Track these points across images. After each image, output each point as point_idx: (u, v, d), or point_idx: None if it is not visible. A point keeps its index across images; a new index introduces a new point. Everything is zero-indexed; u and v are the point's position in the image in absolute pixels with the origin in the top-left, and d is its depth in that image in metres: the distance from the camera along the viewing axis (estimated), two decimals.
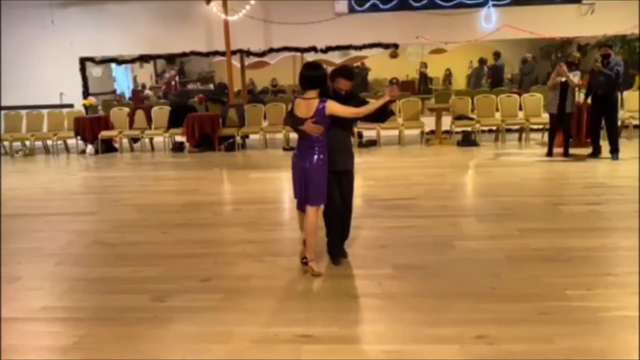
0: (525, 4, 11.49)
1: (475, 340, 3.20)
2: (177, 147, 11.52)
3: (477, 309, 3.59)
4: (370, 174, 8.19)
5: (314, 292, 3.91)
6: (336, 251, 4.50)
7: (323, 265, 4.40)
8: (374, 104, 4.23)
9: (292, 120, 4.26)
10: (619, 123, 9.53)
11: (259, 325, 3.51)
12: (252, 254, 4.87)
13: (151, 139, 11.89)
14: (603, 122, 8.67)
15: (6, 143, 11.87)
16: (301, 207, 4.35)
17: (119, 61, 13.56)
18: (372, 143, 10.90)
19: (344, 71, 4.33)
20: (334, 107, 4.11)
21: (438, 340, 3.23)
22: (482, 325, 3.36)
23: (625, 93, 10.78)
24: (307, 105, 4.14)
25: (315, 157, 4.15)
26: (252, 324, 3.52)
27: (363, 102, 4.35)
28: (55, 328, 3.64)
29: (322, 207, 4.33)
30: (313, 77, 4.15)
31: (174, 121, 11.53)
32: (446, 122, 11.04)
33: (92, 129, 11.43)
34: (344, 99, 4.21)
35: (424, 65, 17.60)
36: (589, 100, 8.78)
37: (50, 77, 12.37)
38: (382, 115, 4.36)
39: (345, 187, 4.44)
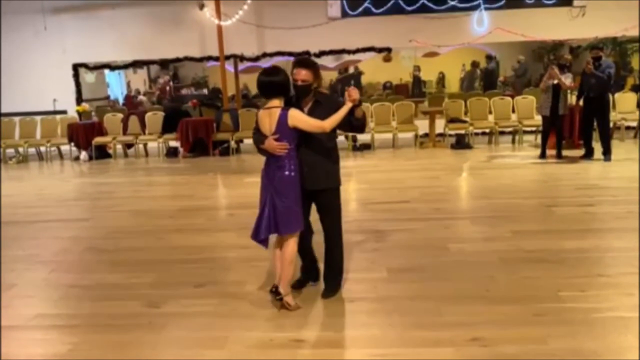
0: (517, 7, 11.56)
1: (469, 342, 3.21)
2: (171, 153, 11.51)
3: (472, 311, 3.61)
4: (365, 177, 8.21)
5: (308, 297, 3.91)
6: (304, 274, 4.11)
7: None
8: (338, 114, 3.57)
9: (255, 139, 3.74)
10: (611, 125, 9.59)
11: (254, 330, 3.51)
12: (246, 259, 4.86)
13: (145, 145, 11.87)
14: (595, 123, 8.73)
15: None
16: (259, 236, 3.73)
17: (113, 67, 13.55)
18: (366, 146, 10.93)
19: (300, 60, 3.76)
20: (297, 118, 3.57)
21: (433, 343, 3.24)
22: (477, 327, 3.37)
23: (617, 95, 10.86)
24: (269, 116, 3.61)
25: (285, 173, 3.62)
26: (246, 329, 3.52)
27: (338, 108, 3.61)
28: (50, 335, 3.63)
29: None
30: (271, 83, 3.60)
31: (168, 126, 11.52)
32: (440, 125, 11.09)
33: (85, 135, 11.41)
34: (316, 105, 3.71)
35: (418, 68, 17.69)
36: (581, 102, 8.85)
37: (43, 83, 12.34)
38: (354, 126, 3.73)
39: (322, 211, 3.86)
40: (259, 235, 3.73)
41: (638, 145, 9.48)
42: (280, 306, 3.74)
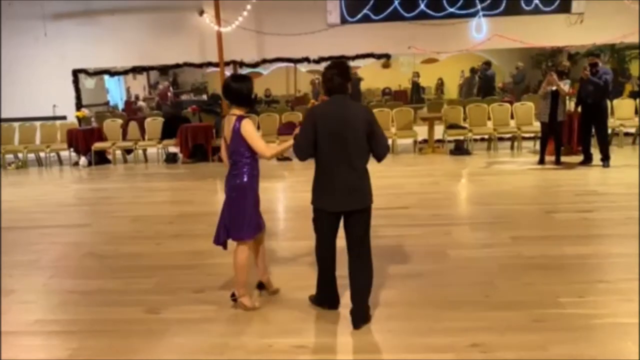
0: (515, 13, 11.61)
1: (469, 348, 3.22)
2: (171, 158, 11.51)
3: (471, 318, 3.61)
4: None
5: (308, 303, 3.91)
6: (324, 297, 3.79)
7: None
8: (282, 145, 3.83)
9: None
10: (609, 131, 9.61)
11: (254, 336, 3.51)
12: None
13: (144, 150, 11.87)
14: (593, 130, 8.75)
15: None
16: (217, 241, 3.87)
17: (112, 73, 13.54)
18: None
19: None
20: (247, 130, 3.62)
21: (432, 349, 3.24)
22: (476, 333, 3.37)
23: (615, 101, 10.90)
24: (228, 123, 3.70)
25: (237, 182, 3.71)
26: (246, 335, 3.52)
27: None
28: (49, 341, 3.63)
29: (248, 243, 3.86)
30: (233, 90, 3.68)
31: (167, 132, 11.53)
32: (439, 131, 11.10)
33: (85, 140, 11.41)
34: None
35: (417, 74, 17.73)
36: (579, 109, 8.88)
37: (43, 89, 12.34)
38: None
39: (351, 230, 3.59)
40: (217, 239, 3.87)
41: (638, 152, 9.49)
42: (236, 306, 3.89)
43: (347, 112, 3.44)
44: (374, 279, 3.63)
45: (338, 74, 3.48)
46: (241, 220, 3.74)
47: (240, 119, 3.65)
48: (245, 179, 3.71)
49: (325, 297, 3.78)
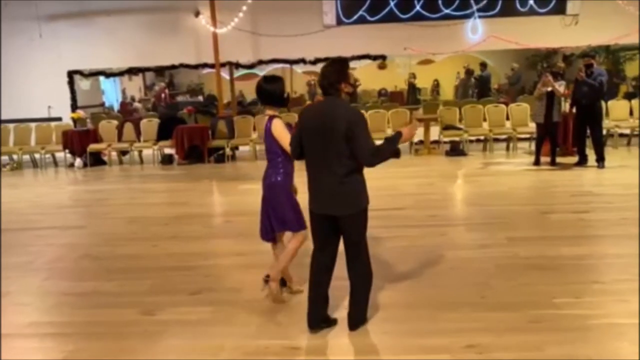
0: (510, 15, 11.64)
1: (465, 349, 3.22)
2: (167, 160, 11.48)
3: (467, 319, 3.61)
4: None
5: (304, 304, 3.90)
6: (312, 314, 3.54)
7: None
8: None
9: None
10: (604, 132, 9.65)
11: (250, 337, 3.50)
12: (242, 266, 4.87)
13: (140, 152, 11.84)
14: (588, 131, 8.78)
15: None
16: (266, 237, 3.99)
17: (108, 74, 13.54)
18: None
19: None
20: (277, 130, 3.73)
21: (428, 350, 3.24)
22: (473, 334, 3.37)
23: (610, 102, 10.94)
24: (262, 123, 3.82)
25: (272, 180, 3.83)
26: (242, 337, 3.51)
27: None
28: (44, 344, 3.61)
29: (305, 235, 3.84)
30: (266, 91, 3.78)
31: (163, 133, 11.50)
32: (434, 132, 11.12)
33: (80, 142, 11.37)
34: None
35: (413, 75, 17.77)
36: (574, 110, 8.91)
37: (38, 90, 12.30)
38: None
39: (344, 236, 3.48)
40: (264, 235, 4.00)
41: (637, 152, 9.52)
42: (263, 288, 3.96)
43: (331, 114, 3.26)
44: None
45: (330, 72, 3.32)
46: (283, 213, 3.83)
47: (271, 119, 3.76)
48: (279, 178, 3.81)
49: (308, 313, 3.57)
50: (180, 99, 18.90)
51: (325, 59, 12.16)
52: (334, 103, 3.33)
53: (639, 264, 4.35)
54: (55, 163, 11.99)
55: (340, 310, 3.69)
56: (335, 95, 3.34)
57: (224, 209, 7.70)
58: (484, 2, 11.59)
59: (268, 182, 3.86)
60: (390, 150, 3.37)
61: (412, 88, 17.86)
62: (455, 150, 10.66)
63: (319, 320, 3.54)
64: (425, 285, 4.23)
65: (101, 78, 14.69)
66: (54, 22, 12.29)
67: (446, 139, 11.01)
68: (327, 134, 3.24)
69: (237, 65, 12.65)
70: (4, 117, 12.25)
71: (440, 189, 7.93)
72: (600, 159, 8.64)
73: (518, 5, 11.58)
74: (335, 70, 3.34)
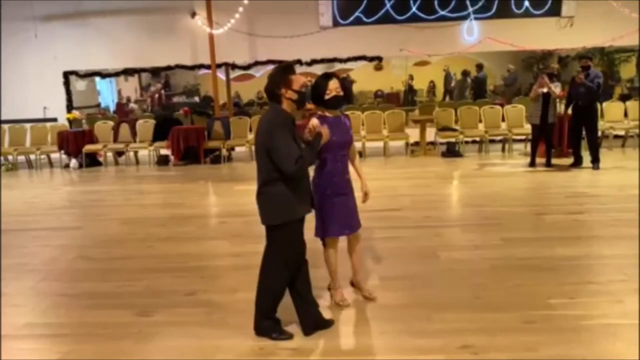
0: (506, 16, 11.69)
1: (460, 350, 3.22)
2: (162, 161, 11.47)
3: (462, 319, 3.62)
4: (356, 185, 8.20)
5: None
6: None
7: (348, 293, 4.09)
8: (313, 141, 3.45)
9: None
10: (599, 133, 9.68)
11: (245, 338, 3.49)
12: (237, 267, 4.86)
13: (136, 153, 11.82)
14: (584, 132, 8.81)
15: None
16: (316, 233, 3.90)
17: (103, 75, 13.51)
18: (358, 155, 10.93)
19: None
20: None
21: (423, 350, 3.24)
22: (467, 335, 3.38)
23: (605, 104, 10.98)
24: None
25: (313, 176, 3.75)
26: (237, 338, 3.51)
27: None
28: (39, 345, 3.60)
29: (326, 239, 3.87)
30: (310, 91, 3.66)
31: (158, 134, 11.49)
32: (430, 133, 11.14)
33: (76, 143, 11.34)
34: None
35: (411, 77, 17.79)
36: (570, 111, 8.94)
37: (33, 91, 12.28)
38: None
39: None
40: (316, 232, 3.86)
41: (638, 153, 9.56)
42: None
43: (260, 122, 3.27)
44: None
45: (271, 78, 3.24)
46: (319, 216, 3.76)
47: (347, 116, 3.84)
48: (317, 178, 3.74)
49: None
50: (176, 99, 18.88)
51: (322, 61, 12.33)
52: (269, 111, 3.31)
53: (639, 264, 4.37)
54: (51, 164, 11.96)
55: (332, 310, 3.70)
56: (276, 101, 3.24)
57: (220, 210, 7.69)
58: (480, 4, 11.64)
59: (348, 176, 3.86)
60: (312, 155, 3.35)
61: (410, 89, 17.90)
62: (451, 151, 10.68)
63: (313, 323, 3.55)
64: (420, 286, 4.24)
65: (97, 79, 14.65)
66: (49, 22, 12.27)
67: (442, 140, 11.03)
68: (257, 143, 3.27)
69: (233, 66, 12.64)
70: None
71: (436, 190, 7.94)
72: (595, 160, 8.67)
73: (513, 7, 11.64)
74: (276, 76, 3.23)
